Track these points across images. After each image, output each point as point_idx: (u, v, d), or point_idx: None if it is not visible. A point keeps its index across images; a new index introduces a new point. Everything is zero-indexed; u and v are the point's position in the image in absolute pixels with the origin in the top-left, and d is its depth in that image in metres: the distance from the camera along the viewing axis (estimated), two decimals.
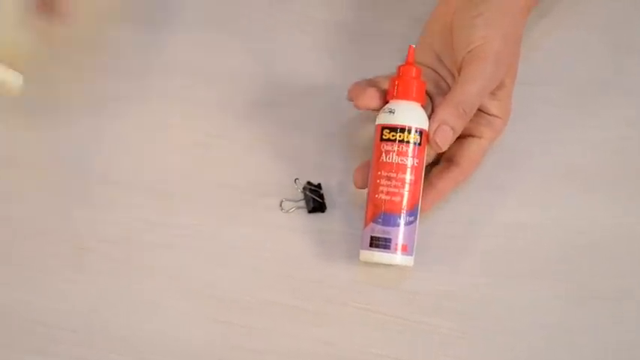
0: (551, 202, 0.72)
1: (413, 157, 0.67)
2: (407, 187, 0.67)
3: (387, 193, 0.67)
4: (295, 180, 0.73)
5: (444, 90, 0.71)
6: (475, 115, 0.68)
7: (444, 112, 0.67)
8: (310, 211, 0.72)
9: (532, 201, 0.72)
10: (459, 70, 0.68)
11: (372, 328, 0.70)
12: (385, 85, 0.70)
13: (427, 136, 0.67)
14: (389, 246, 0.67)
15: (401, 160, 0.67)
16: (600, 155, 0.73)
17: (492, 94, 0.69)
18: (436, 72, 0.72)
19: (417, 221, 0.68)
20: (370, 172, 0.69)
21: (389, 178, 0.67)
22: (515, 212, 0.72)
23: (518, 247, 0.71)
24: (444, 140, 0.67)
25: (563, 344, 0.69)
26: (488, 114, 0.70)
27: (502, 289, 0.70)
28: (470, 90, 0.67)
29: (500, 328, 0.69)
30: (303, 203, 0.72)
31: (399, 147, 0.67)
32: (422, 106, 0.68)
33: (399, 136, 0.67)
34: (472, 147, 0.70)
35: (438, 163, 0.71)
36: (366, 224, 0.68)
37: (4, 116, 0.76)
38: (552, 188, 0.73)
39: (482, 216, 0.72)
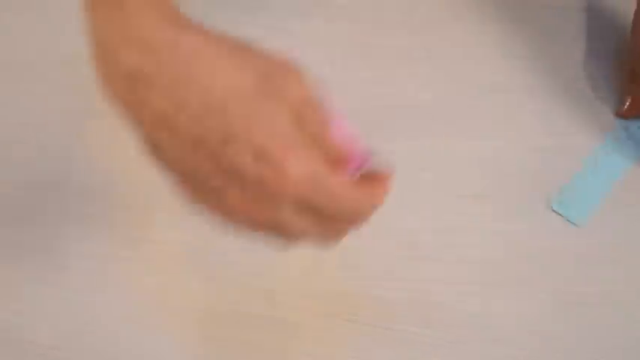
0: (532, 209, 0.73)
1: None
2: None
3: None
4: None
5: None
6: None
7: None
8: None
9: (514, 208, 0.73)
10: None
11: (358, 339, 0.69)
12: None
13: None
14: None
15: None
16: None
17: None
18: None
19: None
20: None
21: None
22: (498, 220, 0.73)
23: (503, 255, 0.72)
24: None
25: (554, 351, 0.69)
26: None
27: (488, 297, 0.71)
28: None
29: (485, 336, 0.70)
30: None
31: None
32: None
33: None
34: None
35: None
36: None
37: None
38: (534, 195, 0.74)
39: (466, 224, 0.73)
